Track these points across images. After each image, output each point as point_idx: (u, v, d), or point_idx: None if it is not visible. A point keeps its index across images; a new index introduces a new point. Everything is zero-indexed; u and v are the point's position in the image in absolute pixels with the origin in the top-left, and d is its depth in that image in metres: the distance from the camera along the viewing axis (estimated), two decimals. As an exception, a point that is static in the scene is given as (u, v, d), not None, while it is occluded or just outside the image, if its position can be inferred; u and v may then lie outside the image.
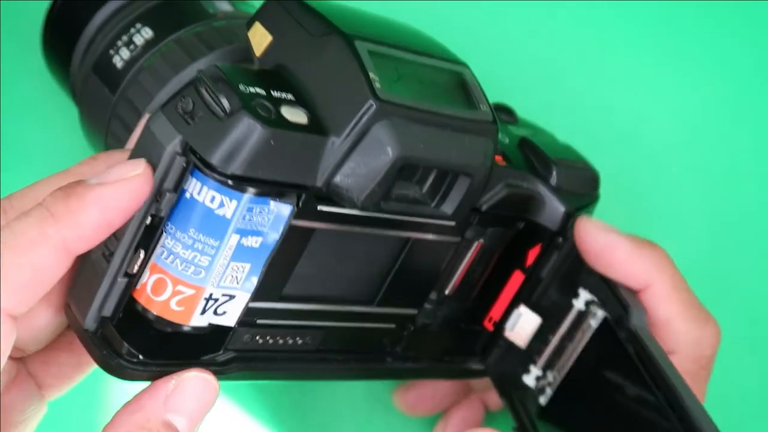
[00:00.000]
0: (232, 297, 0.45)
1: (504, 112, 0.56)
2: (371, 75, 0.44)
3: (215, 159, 0.42)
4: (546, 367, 0.53)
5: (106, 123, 0.54)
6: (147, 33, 0.54)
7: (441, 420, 0.60)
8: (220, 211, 0.43)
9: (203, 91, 0.42)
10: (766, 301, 0.66)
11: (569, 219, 0.53)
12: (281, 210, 0.44)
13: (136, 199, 0.42)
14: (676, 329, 0.51)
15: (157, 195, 0.43)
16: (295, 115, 0.44)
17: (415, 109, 0.45)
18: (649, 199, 0.63)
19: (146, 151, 0.43)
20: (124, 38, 0.54)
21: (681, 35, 0.67)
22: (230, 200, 0.43)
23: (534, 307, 0.54)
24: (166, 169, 0.42)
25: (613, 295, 0.51)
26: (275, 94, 0.44)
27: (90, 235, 0.42)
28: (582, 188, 0.55)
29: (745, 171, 0.67)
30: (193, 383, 0.44)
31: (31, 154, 0.63)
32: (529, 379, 0.53)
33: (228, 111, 0.42)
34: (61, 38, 0.58)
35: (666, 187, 0.67)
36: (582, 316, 0.52)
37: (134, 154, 0.43)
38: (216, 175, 0.42)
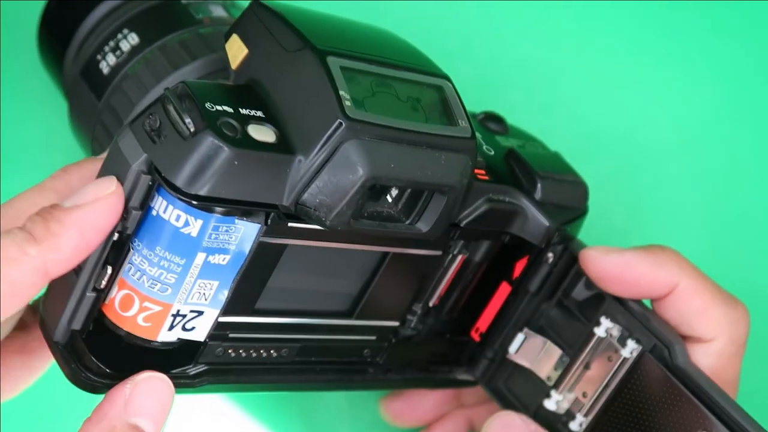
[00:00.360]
0: (200, 313, 0.45)
1: (494, 121, 0.55)
2: (341, 93, 0.44)
3: (179, 180, 0.42)
4: (569, 392, 0.53)
5: (92, 128, 0.54)
6: (133, 39, 0.54)
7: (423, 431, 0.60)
8: (185, 230, 0.43)
9: (170, 109, 0.42)
10: (766, 301, 0.65)
11: (555, 233, 0.52)
12: (249, 228, 0.44)
13: (111, 218, 0.42)
14: (712, 317, 0.51)
15: (123, 212, 0.43)
16: (263, 133, 0.43)
17: (386, 127, 0.45)
18: (648, 200, 0.63)
19: (114, 167, 0.43)
20: (111, 44, 0.54)
21: (680, 35, 0.67)
22: (195, 220, 0.43)
23: (540, 331, 0.54)
24: (132, 186, 0.42)
25: (648, 331, 0.51)
26: (243, 111, 0.43)
27: (69, 257, 0.42)
28: (568, 202, 0.54)
29: (745, 171, 0.66)
30: (148, 384, 0.44)
31: (31, 153, 0.63)
32: (552, 404, 0.53)
33: (192, 131, 0.42)
34: (54, 38, 0.58)
35: (666, 187, 0.66)
36: (607, 343, 0.52)
37: (103, 170, 0.44)
38: (181, 196, 0.42)
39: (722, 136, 0.66)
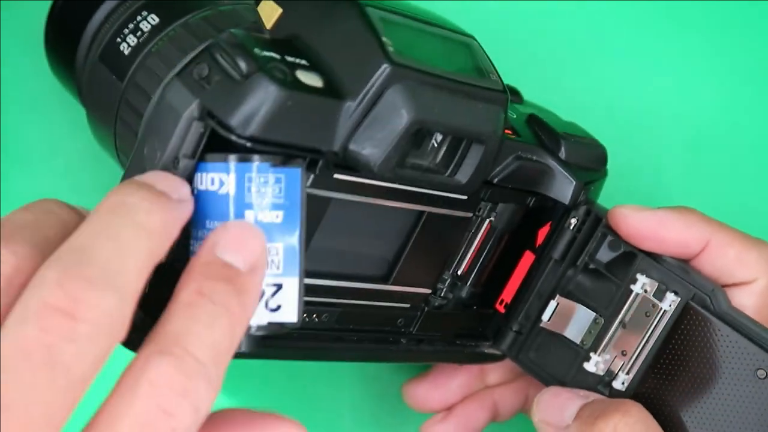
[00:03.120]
0: (279, 287, 0.43)
1: (511, 92, 0.56)
2: (384, 39, 0.44)
3: (234, 121, 0.42)
4: (608, 353, 0.53)
5: (114, 111, 0.54)
6: (153, 19, 0.53)
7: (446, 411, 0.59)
8: (222, 190, 0.42)
9: (218, 57, 0.42)
10: None
11: (580, 192, 0.53)
12: (292, 176, 0.43)
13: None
14: (749, 260, 0.53)
15: (174, 161, 0.42)
16: (311, 78, 0.43)
17: (428, 73, 0.45)
18: (648, 200, 0.63)
19: (161, 121, 0.43)
20: (131, 26, 0.54)
21: (683, 33, 0.68)
22: (227, 175, 0.42)
23: (569, 296, 0.54)
24: (183, 134, 0.42)
25: (686, 282, 0.52)
26: (290, 59, 0.44)
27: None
28: (591, 163, 0.55)
29: (744, 172, 0.67)
30: (239, 226, 0.41)
31: (32, 153, 0.62)
32: (592, 366, 0.53)
33: (245, 73, 0.42)
34: (64, 35, 0.57)
35: (665, 187, 0.66)
36: (642, 299, 0.52)
37: (148, 128, 0.43)
38: (236, 137, 0.42)
39: (724, 136, 0.67)
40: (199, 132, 0.42)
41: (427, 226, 0.51)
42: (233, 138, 0.42)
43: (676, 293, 0.52)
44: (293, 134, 0.43)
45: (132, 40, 0.54)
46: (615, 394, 0.53)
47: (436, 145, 0.47)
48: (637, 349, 0.52)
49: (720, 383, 0.51)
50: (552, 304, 0.55)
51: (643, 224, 0.52)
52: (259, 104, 0.42)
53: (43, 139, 0.62)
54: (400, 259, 0.51)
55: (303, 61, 0.44)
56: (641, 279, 0.52)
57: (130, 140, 0.52)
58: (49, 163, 0.59)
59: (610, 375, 0.53)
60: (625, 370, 0.53)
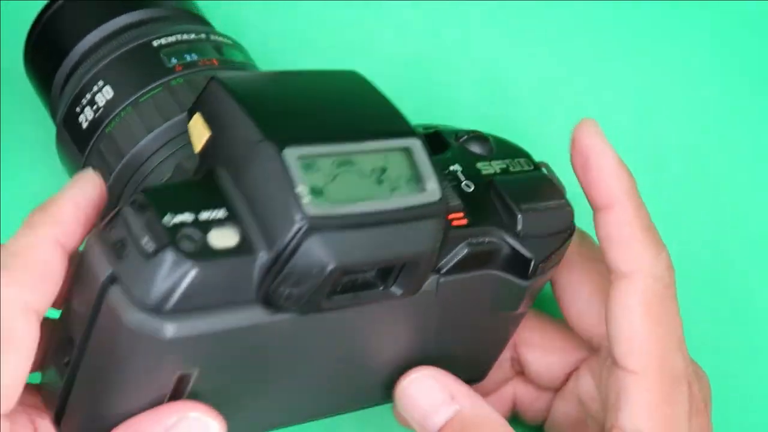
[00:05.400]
0: None
1: (478, 141, 0.54)
2: (299, 189, 0.44)
3: (149, 300, 0.43)
4: None
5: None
6: (108, 93, 0.54)
7: None
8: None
9: (131, 224, 0.43)
10: (766, 302, 0.66)
11: (538, 267, 0.52)
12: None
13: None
14: (635, 248, 0.50)
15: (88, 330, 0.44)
16: (225, 237, 0.44)
17: (348, 215, 0.45)
18: (647, 201, 0.63)
19: (82, 276, 0.45)
20: (88, 96, 0.54)
21: (681, 34, 0.67)
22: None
23: None
24: (101, 297, 0.44)
25: None
26: (204, 215, 0.44)
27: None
28: (553, 229, 0.53)
29: (744, 172, 0.67)
30: (194, 426, 0.45)
31: (32, 153, 0.63)
32: None
33: (153, 250, 0.43)
34: (38, 76, 0.59)
35: (665, 189, 0.67)
36: None
37: (75, 280, 0.45)
38: (149, 312, 0.43)
39: (723, 138, 0.66)
40: (116, 294, 0.43)
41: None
42: (149, 313, 0.43)
43: None
44: (210, 297, 0.44)
45: (89, 113, 0.54)
46: None
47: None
48: None
49: None
50: None
51: (592, 143, 0.51)
52: (171, 282, 0.43)
53: (44, 139, 0.62)
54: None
55: (220, 212, 0.44)
56: None
57: None
58: (50, 162, 0.60)
59: None
60: None
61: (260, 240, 0.44)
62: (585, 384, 0.55)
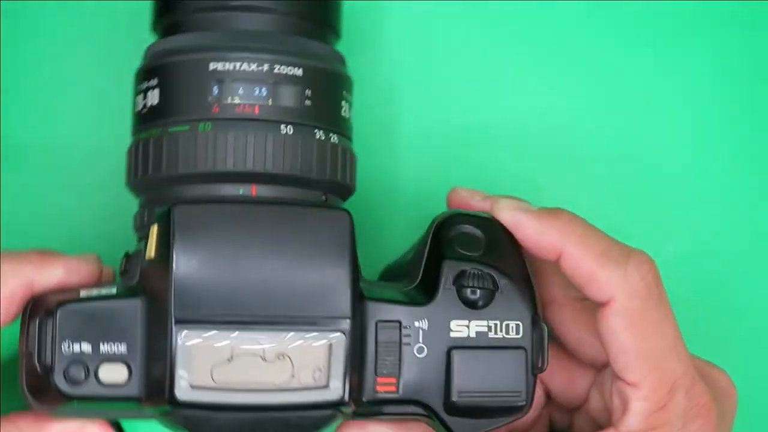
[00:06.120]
0: None
1: (468, 246, 0.52)
2: (180, 372, 0.46)
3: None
4: None
5: None
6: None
7: None
8: None
9: (37, 333, 0.48)
10: (766, 302, 0.66)
11: None
12: None
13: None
14: (599, 279, 0.51)
15: None
16: (115, 372, 0.47)
17: (221, 406, 0.46)
18: (647, 201, 0.63)
19: None
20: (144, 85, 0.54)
21: (678, 37, 0.67)
22: None
23: None
24: None
25: None
26: (104, 348, 0.47)
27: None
28: (490, 413, 0.51)
29: (744, 173, 0.67)
30: None
31: (32, 153, 0.63)
32: None
33: (47, 370, 0.47)
34: None
35: (665, 189, 0.66)
36: None
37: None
38: None
39: (721, 139, 0.66)
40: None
41: None
42: None
43: None
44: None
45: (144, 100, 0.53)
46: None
47: None
48: None
49: None
50: None
51: (509, 221, 0.52)
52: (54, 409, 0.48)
53: (44, 139, 0.62)
54: None
55: (122, 347, 0.47)
56: None
57: None
58: (50, 162, 0.59)
59: None
60: None
61: (144, 391, 0.47)
62: (594, 399, 0.56)
